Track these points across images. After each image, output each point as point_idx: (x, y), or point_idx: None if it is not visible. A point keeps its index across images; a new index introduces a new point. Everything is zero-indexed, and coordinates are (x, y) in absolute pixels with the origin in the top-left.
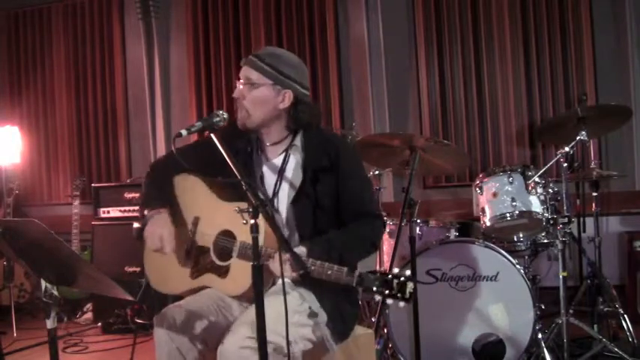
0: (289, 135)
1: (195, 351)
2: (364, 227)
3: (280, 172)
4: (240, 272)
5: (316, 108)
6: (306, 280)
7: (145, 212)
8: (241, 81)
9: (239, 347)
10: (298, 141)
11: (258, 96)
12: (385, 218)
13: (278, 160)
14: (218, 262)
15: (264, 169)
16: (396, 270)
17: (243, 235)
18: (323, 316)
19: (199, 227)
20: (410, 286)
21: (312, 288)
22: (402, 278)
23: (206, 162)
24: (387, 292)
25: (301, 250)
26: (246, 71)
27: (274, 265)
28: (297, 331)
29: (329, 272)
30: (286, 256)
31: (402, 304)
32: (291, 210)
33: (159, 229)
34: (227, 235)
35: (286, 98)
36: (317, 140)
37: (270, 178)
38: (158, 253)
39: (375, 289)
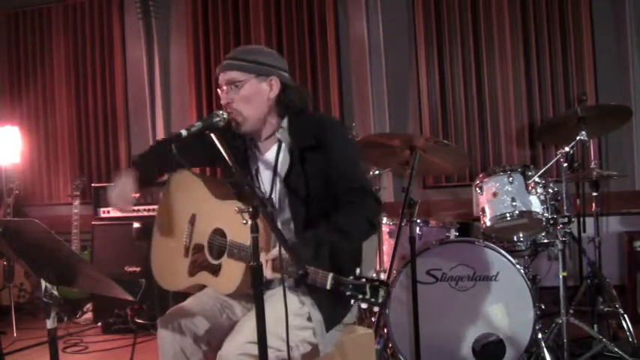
0: (277, 124)
1: (200, 352)
2: (358, 206)
3: (275, 166)
4: (230, 271)
5: (304, 90)
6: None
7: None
8: (224, 87)
9: (238, 354)
10: (285, 123)
11: (246, 93)
12: (385, 218)
13: (271, 153)
14: (211, 261)
15: (259, 164)
16: (372, 274)
17: (233, 234)
18: (317, 315)
19: (196, 225)
20: (382, 291)
21: (308, 290)
22: (376, 283)
23: (211, 155)
24: (360, 296)
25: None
26: (225, 75)
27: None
28: (297, 335)
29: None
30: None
31: (375, 308)
32: (284, 194)
33: (120, 186)
34: (219, 233)
35: (274, 85)
36: (303, 121)
37: (265, 173)
38: (162, 249)
39: (348, 293)
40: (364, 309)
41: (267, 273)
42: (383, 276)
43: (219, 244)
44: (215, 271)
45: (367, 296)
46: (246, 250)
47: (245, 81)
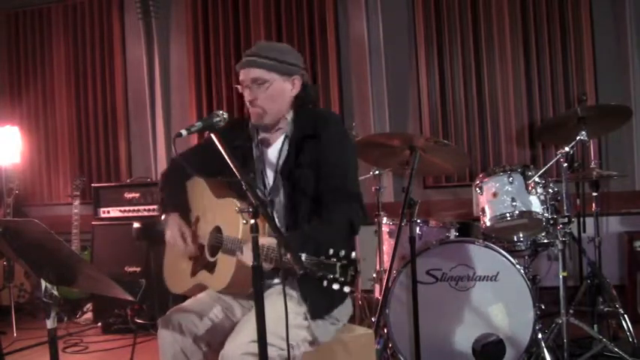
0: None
1: (200, 353)
2: (340, 207)
3: (278, 160)
4: (224, 266)
5: (316, 87)
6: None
7: (162, 218)
8: (246, 83)
9: (241, 353)
10: (290, 116)
11: (273, 92)
12: (385, 218)
13: (276, 146)
14: (209, 259)
15: (265, 161)
16: (342, 252)
17: (228, 230)
18: (303, 306)
19: (199, 226)
20: (351, 269)
21: (297, 284)
22: (344, 262)
23: (205, 164)
24: (330, 276)
25: (269, 240)
26: (250, 73)
27: (243, 256)
28: (298, 334)
29: (283, 259)
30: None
31: (346, 289)
32: (279, 181)
33: (175, 230)
34: (217, 231)
35: (296, 84)
36: (306, 115)
37: (269, 165)
38: (171, 255)
39: (320, 274)
40: (362, 307)
41: (248, 260)
42: (383, 276)
43: (216, 241)
44: (212, 268)
45: (337, 275)
46: (235, 243)
47: (271, 80)
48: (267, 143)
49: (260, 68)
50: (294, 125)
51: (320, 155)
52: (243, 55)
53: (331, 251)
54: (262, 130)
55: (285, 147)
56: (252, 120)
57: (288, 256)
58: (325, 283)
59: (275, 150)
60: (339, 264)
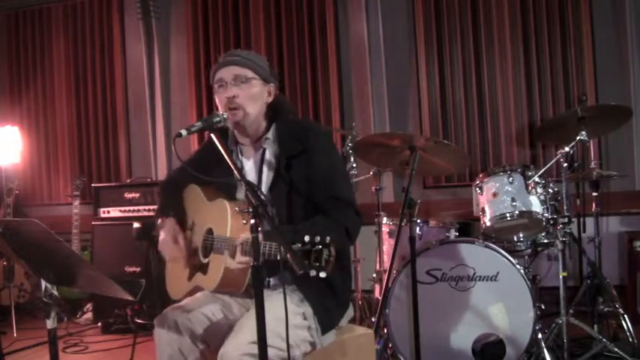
0: (264, 131)
1: (197, 352)
2: (336, 215)
3: (260, 169)
4: (214, 266)
5: (291, 103)
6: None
7: (159, 223)
8: (226, 81)
9: (240, 354)
10: (270, 134)
11: (254, 92)
12: (385, 218)
13: (257, 157)
14: (202, 260)
15: (246, 168)
16: (317, 238)
17: (218, 230)
18: (308, 308)
19: (194, 231)
20: (325, 252)
21: (295, 282)
22: (319, 247)
23: (201, 170)
24: (306, 262)
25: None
26: (234, 70)
27: (228, 261)
28: (298, 334)
29: (266, 250)
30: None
31: (322, 274)
32: (269, 200)
33: (168, 235)
34: (210, 232)
35: (272, 93)
36: (288, 129)
37: (251, 177)
38: (171, 262)
39: (296, 262)
40: (362, 307)
41: (238, 256)
42: (383, 276)
43: (208, 242)
44: (205, 269)
45: (312, 261)
46: (225, 241)
47: (253, 80)
48: (244, 153)
49: (244, 67)
50: (277, 143)
51: (310, 168)
52: (219, 60)
53: (307, 238)
54: (241, 139)
55: (270, 165)
56: (230, 125)
57: (282, 249)
58: (301, 271)
59: (255, 164)
60: (313, 249)
